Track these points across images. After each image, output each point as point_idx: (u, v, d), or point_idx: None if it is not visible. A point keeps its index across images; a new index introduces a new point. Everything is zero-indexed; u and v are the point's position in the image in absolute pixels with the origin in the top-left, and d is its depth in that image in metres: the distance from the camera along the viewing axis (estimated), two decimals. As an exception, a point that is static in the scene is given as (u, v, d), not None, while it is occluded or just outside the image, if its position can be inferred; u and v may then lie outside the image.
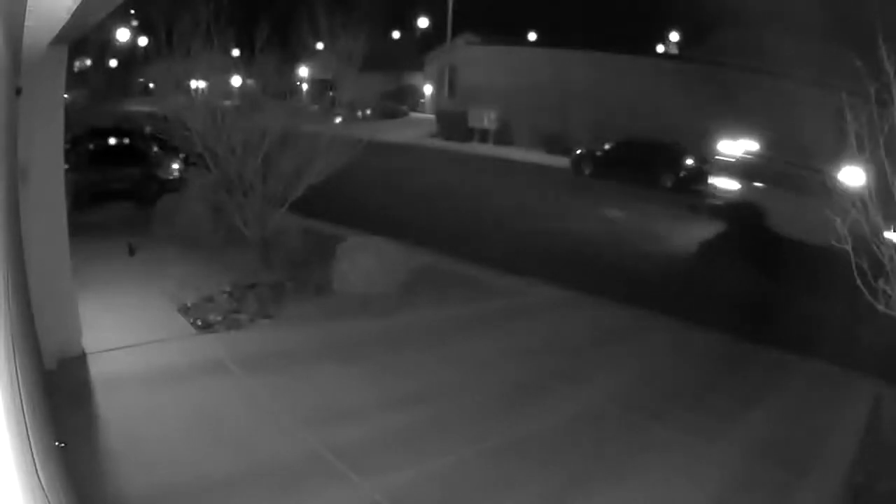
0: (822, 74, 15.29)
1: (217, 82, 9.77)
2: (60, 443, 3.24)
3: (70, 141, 12.22)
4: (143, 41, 32.47)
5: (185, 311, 7.60)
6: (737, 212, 14.77)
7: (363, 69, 10.08)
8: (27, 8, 2.77)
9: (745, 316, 8.48)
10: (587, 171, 23.28)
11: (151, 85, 19.01)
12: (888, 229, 4.49)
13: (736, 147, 16.95)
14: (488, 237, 12.65)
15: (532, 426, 5.56)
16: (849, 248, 4.68)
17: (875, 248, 4.59)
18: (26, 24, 3.11)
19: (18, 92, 4.31)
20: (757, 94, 21.02)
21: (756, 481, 5.04)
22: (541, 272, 9.94)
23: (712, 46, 28.05)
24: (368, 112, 27.50)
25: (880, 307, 4.54)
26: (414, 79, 44.17)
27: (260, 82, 9.95)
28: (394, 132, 29.69)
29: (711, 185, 17.75)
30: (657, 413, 5.92)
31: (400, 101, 40.92)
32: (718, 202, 16.13)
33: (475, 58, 33.42)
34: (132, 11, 32.77)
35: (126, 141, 14.57)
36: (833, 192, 5.02)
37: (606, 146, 23.30)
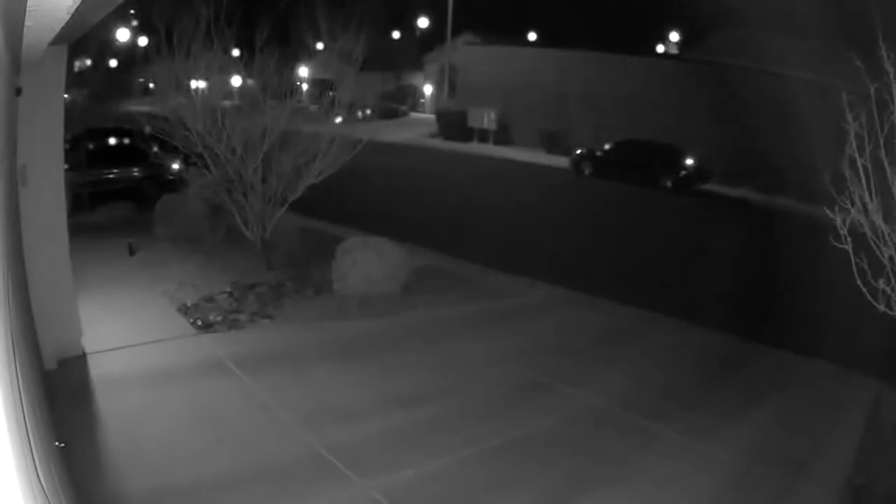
0: (822, 74, 15.30)
1: (217, 82, 9.75)
2: (60, 443, 3.25)
3: (70, 141, 12.23)
4: (143, 41, 32.46)
5: (184, 311, 7.60)
6: None
7: (363, 69, 10.08)
8: (27, 8, 2.77)
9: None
10: (587, 172, 23.30)
11: (151, 85, 19.02)
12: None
13: None
14: (488, 237, 12.65)
15: (532, 426, 5.55)
16: (849, 248, 4.68)
17: (875, 247, 4.59)
18: (26, 24, 3.11)
19: (18, 92, 4.32)
20: (757, 94, 20.99)
21: (756, 481, 5.03)
22: (539, 273, 9.95)
23: (712, 46, 28.07)
24: (368, 112, 27.52)
25: (880, 307, 4.54)
26: (414, 79, 44.19)
27: (260, 82, 9.94)
28: (394, 132, 29.72)
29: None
30: (658, 412, 5.92)
31: (400, 101, 40.93)
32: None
33: (475, 58, 33.44)
34: (132, 11, 32.78)
35: (126, 141, 14.56)
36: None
37: (606, 146, 23.33)
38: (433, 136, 32.99)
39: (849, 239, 4.69)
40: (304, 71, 32.03)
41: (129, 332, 6.87)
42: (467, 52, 34.85)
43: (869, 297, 4.55)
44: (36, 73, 5.17)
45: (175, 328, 7.15)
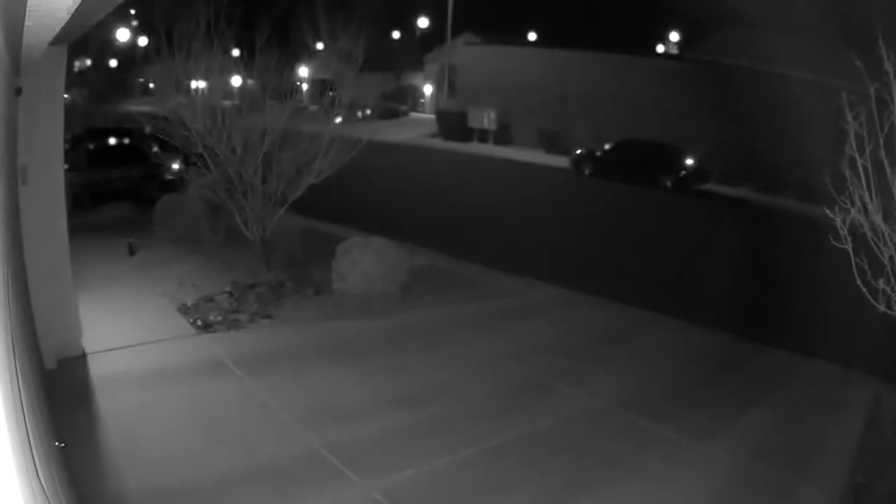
0: (822, 74, 15.30)
1: (217, 82, 9.76)
2: (60, 443, 3.25)
3: (70, 141, 12.24)
4: (143, 41, 32.46)
5: (184, 310, 7.60)
6: None
7: (363, 69, 10.08)
8: (27, 8, 2.77)
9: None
10: (587, 172, 23.30)
11: (151, 85, 19.02)
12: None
13: None
14: (488, 237, 12.65)
15: (532, 426, 5.56)
16: (849, 247, 4.68)
17: (875, 247, 4.58)
18: (26, 24, 3.11)
19: (18, 92, 4.32)
20: (756, 94, 21.00)
21: (757, 481, 5.04)
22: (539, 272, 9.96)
23: (712, 46, 28.07)
24: (368, 112, 27.57)
25: (880, 307, 4.54)
26: (414, 79, 44.19)
27: (260, 82, 9.94)
28: (394, 132, 29.68)
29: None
30: (657, 413, 5.92)
31: (400, 101, 40.92)
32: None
33: (475, 58, 33.42)
34: (132, 11, 32.78)
35: (126, 141, 14.58)
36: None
37: (606, 146, 23.32)
38: (433, 136, 32.96)
39: (849, 239, 4.69)
40: (304, 71, 32.05)
41: (129, 332, 6.87)
42: (467, 52, 34.82)
43: (869, 297, 4.55)
44: (36, 73, 5.17)
45: (175, 328, 7.15)
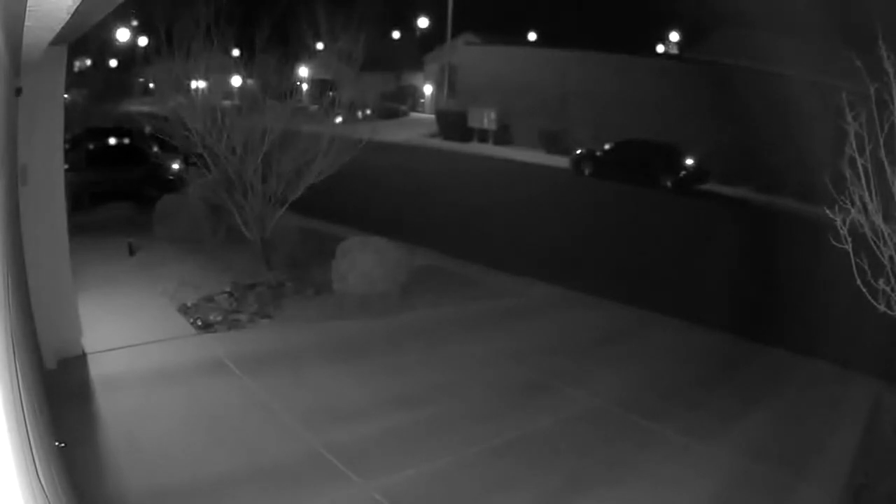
0: (822, 74, 15.30)
1: (217, 82, 9.76)
2: (60, 443, 3.24)
3: (70, 141, 12.24)
4: (143, 41, 32.44)
5: (184, 310, 7.60)
6: None
7: (363, 69, 10.09)
8: (27, 8, 2.77)
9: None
10: (587, 172, 23.31)
11: (151, 85, 19.02)
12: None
13: None
14: (488, 237, 12.65)
15: (532, 426, 5.56)
16: (849, 247, 4.68)
17: (875, 247, 4.58)
18: (26, 24, 3.11)
19: (18, 92, 4.32)
20: (756, 94, 21.00)
21: (756, 482, 5.04)
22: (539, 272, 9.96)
23: (712, 46, 28.06)
24: (368, 112, 27.50)
25: (880, 307, 4.53)
26: (414, 79, 44.18)
27: (260, 82, 9.94)
28: (394, 132, 29.67)
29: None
30: (657, 413, 5.92)
31: (400, 101, 40.91)
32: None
33: (475, 58, 33.44)
34: (132, 11, 32.75)
35: (126, 141, 14.58)
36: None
37: (606, 146, 23.33)
38: (433, 136, 32.96)
39: (849, 239, 4.68)
40: (304, 71, 32.03)
41: (129, 332, 6.86)
42: (467, 52, 34.82)
43: (869, 297, 4.55)
44: (36, 73, 5.17)
45: (175, 328, 7.15)
